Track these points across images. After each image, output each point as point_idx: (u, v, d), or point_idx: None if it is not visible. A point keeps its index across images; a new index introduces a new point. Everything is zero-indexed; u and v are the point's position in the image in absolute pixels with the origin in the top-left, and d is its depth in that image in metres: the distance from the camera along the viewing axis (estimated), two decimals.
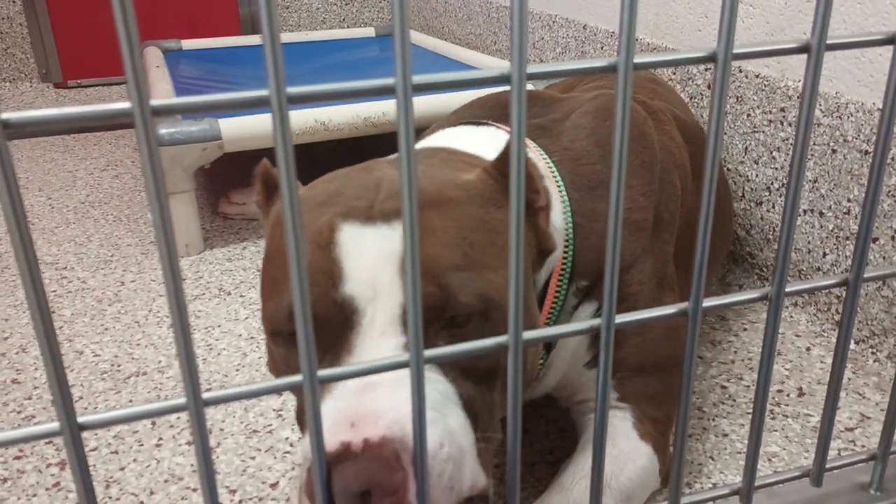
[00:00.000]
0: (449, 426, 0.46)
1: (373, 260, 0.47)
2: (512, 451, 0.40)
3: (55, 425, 0.34)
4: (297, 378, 0.36)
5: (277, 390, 0.36)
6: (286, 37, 2.05)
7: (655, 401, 0.66)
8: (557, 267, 0.63)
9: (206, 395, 0.35)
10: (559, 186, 0.65)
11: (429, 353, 0.37)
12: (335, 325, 0.47)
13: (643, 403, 0.66)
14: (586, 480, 0.60)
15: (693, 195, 0.78)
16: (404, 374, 0.46)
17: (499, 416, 0.53)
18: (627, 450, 0.63)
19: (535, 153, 0.67)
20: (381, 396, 0.44)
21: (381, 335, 0.47)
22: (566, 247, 0.64)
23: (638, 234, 0.68)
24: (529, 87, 1.32)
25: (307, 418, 0.36)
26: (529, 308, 0.55)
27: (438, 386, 0.48)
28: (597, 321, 0.41)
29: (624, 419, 0.65)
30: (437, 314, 0.47)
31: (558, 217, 0.64)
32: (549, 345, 0.64)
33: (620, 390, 0.66)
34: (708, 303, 0.44)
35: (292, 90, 0.31)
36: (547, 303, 0.63)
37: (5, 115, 0.29)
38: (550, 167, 0.66)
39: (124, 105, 0.30)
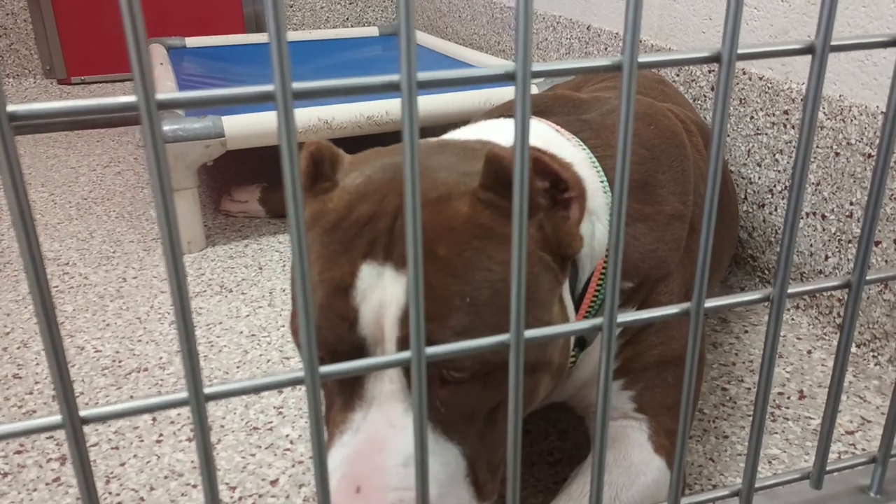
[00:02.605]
0: None
1: (382, 304, 0.49)
2: (512, 450, 0.40)
3: (57, 418, 0.34)
4: (299, 374, 0.36)
5: (279, 386, 0.36)
6: (290, 35, 2.05)
7: (672, 412, 0.65)
8: (599, 265, 0.62)
9: (207, 390, 0.35)
10: (603, 183, 0.64)
11: (430, 350, 0.37)
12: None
13: (660, 415, 0.65)
14: None
15: None
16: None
17: (502, 453, 0.53)
18: (639, 462, 0.62)
19: (574, 146, 0.65)
20: (391, 465, 0.47)
21: (387, 376, 0.49)
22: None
23: (678, 243, 0.67)
24: (534, 89, 1.32)
25: (309, 415, 0.36)
26: (552, 319, 0.54)
27: (449, 458, 0.50)
28: (598, 320, 0.41)
29: (639, 430, 0.64)
30: (436, 374, 0.49)
31: (603, 213, 0.62)
32: (582, 342, 0.64)
33: (639, 401, 0.65)
34: (710, 303, 0.44)
35: (297, 86, 0.31)
36: (585, 303, 0.62)
37: (11, 108, 0.29)
38: (594, 163, 0.65)
39: (130, 98, 0.30)
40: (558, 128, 0.67)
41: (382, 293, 0.48)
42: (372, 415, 0.48)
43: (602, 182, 0.64)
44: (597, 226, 0.62)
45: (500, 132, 0.66)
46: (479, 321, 0.48)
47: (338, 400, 0.51)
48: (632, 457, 0.62)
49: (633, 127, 0.70)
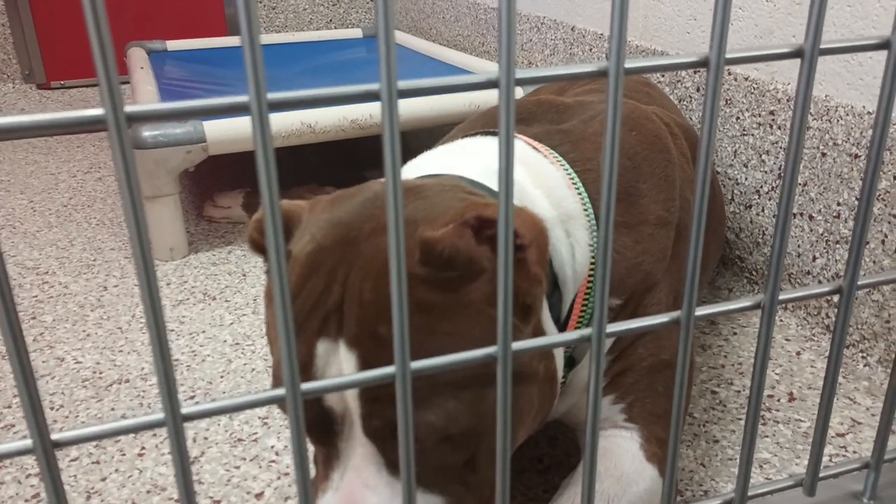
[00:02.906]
0: None
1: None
2: (501, 459, 0.39)
3: (28, 443, 0.33)
4: (280, 392, 0.35)
5: (259, 405, 0.35)
6: (272, 38, 2.03)
7: (664, 420, 0.65)
8: (583, 285, 0.61)
9: (185, 410, 0.34)
10: (581, 196, 0.62)
11: (415, 364, 0.36)
12: (324, 431, 0.50)
13: (652, 424, 0.64)
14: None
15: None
16: None
17: (491, 486, 0.52)
18: (632, 472, 0.61)
19: (552, 164, 0.64)
20: None
21: (358, 441, 0.50)
22: (592, 262, 0.61)
23: (664, 253, 0.66)
24: (520, 92, 1.31)
25: (290, 434, 0.35)
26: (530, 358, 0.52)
27: None
28: (588, 331, 0.40)
29: (631, 440, 0.63)
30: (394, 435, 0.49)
31: (582, 233, 0.61)
32: (570, 362, 0.62)
33: (629, 412, 0.64)
34: (701, 311, 0.43)
35: (273, 96, 0.30)
36: (571, 324, 0.60)
37: None
38: (571, 176, 0.64)
39: (97, 111, 0.29)
40: (536, 144, 0.66)
41: (339, 369, 0.48)
42: (348, 475, 0.49)
43: (582, 199, 0.62)
44: (576, 248, 0.60)
45: (477, 158, 0.63)
46: (432, 393, 0.47)
47: (319, 454, 0.51)
48: (623, 466, 0.61)
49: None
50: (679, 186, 0.70)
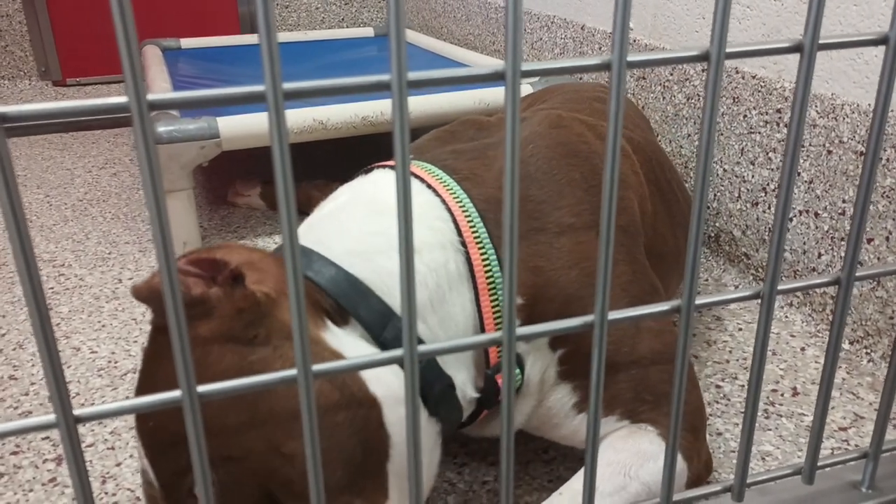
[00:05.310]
0: None
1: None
2: (506, 447, 0.41)
3: (51, 417, 0.34)
4: (292, 372, 0.36)
5: (271, 385, 0.36)
6: (285, 36, 2.05)
7: (669, 418, 0.65)
8: (483, 284, 0.61)
9: (201, 389, 0.35)
10: (457, 199, 0.63)
11: (422, 348, 0.38)
12: None
13: (662, 417, 0.64)
14: (600, 482, 0.59)
15: (650, 202, 0.77)
16: None
17: None
18: (650, 451, 0.61)
19: (424, 174, 0.65)
20: None
21: None
22: (486, 262, 0.62)
23: (574, 260, 0.65)
24: (528, 88, 1.32)
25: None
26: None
27: None
28: (590, 317, 0.41)
29: (647, 430, 0.63)
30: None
31: (448, 244, 0.62)
32: (519, 364, 0.63)
33: (630, 417, 0.64)
34: (701, 300, 0.44)
35: (288, 86, 0.32)
36: (487, 323, 0.61)
37: (2, 109, 0.29)
38: (444, 183, 0.64)
39: (121, 99, 0.30)
40: (414, 169, 0.66)
41: None
42: None
43: (457, 199, 0.63)
44: (424, 255, 0.60)
45: (347, 224, 0.63)
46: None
47: None
48: (642, 445, 0.61)
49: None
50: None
